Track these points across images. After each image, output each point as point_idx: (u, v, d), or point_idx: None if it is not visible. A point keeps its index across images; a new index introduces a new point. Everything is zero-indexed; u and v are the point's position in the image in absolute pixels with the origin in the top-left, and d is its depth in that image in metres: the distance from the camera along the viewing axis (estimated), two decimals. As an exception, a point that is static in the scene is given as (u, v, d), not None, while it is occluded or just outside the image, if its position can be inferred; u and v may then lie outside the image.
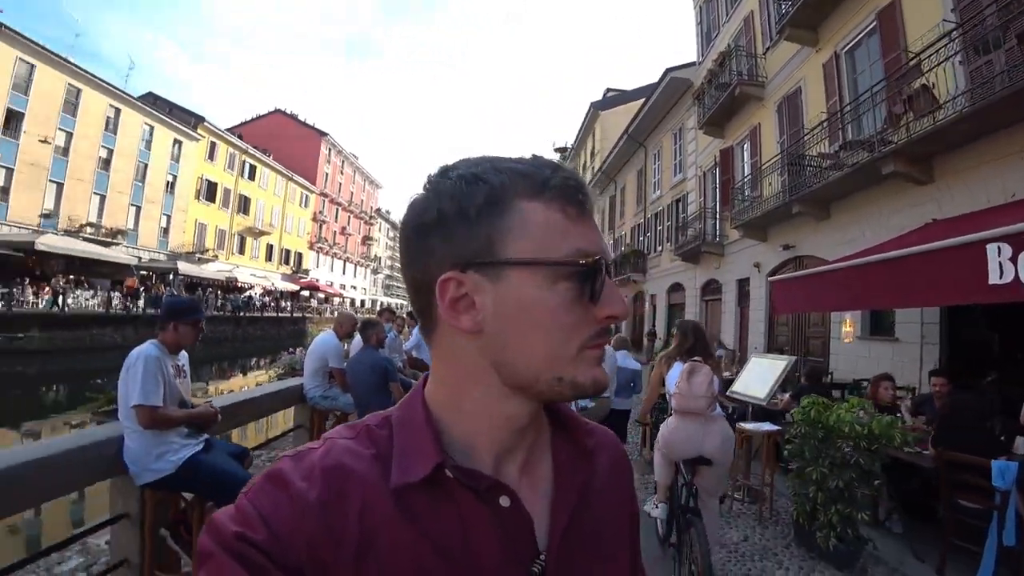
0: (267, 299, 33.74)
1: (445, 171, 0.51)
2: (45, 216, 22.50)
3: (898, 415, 4.34)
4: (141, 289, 23.63)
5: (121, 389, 2.50)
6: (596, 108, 29.78)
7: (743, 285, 12.73)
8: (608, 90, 32.23)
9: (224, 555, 0.42)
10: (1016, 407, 3.69)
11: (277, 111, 47.69)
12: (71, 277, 20.57)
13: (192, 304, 2.97)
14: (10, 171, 21.10)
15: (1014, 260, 2.89)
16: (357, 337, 4.67)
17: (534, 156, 0.52)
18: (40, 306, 17.93)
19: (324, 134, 47.17)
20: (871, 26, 8.08)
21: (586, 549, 0.53)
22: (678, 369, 3.25)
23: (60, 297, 18.09)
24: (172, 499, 2.73)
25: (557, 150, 39.13)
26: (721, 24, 14.46)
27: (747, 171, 12.27)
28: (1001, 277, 2.94)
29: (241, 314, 27.27)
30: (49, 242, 19.35)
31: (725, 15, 14.13)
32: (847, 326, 8.36)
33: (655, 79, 18.21)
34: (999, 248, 2.97)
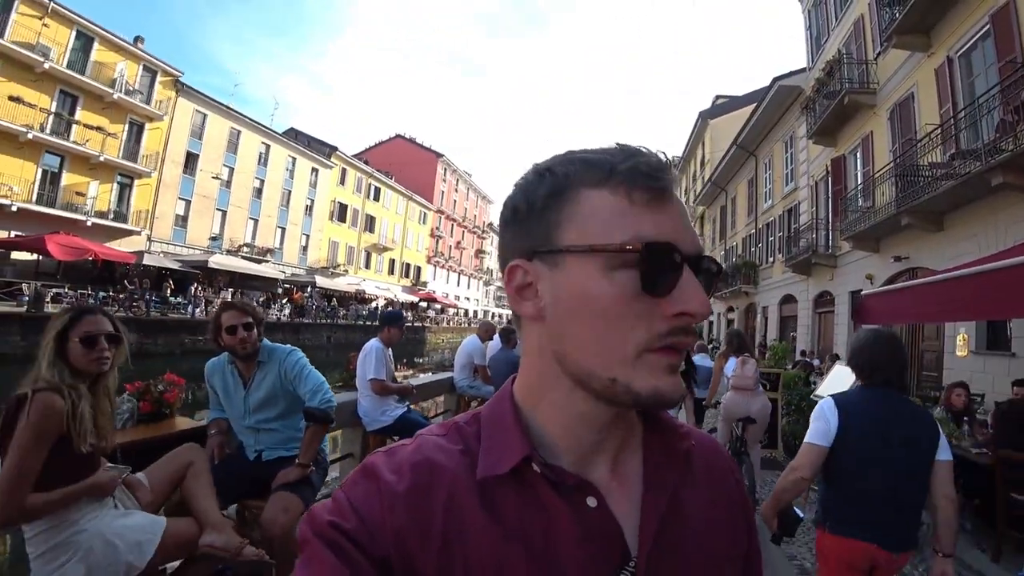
0: (390, 309, 36.80)
1: (531, 168, 0.52)
2: (213, 239, 26.84)
3: (965, 419, 4.58)
4: (303, 301, 27.38)
5: (359, 369, 3.96)
6: (705, 117, 29.28)
7: (856, 297, 12.20)
8: (717, 97, 31.52)
9: (317, 542, 0.44)
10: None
11: (398, 136, 52.05)
12: (232, 290, 24.36)
13: (399, 314, 4.51)
14: (188, 203, 25.52)
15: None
16: (495, 339, 6.05)
17: (618, 145, 0.50)
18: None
19: (440, 155, 50.58)
20: (984, 29, 7.72)
21: (680, 557, 0.50)
22: (733, 361, 4.92)
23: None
24: (384, 442, 3.93)
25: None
26: (831, 29, 13.98)
27: (859, 180, 11.81)
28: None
29: (371, 323, 30.18)
30: (219, 261, 23.20)
31: (835, 19, 13.66)
32: (961, 339, 7.96)
33: (766, 83, 17.79)
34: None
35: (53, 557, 1.61)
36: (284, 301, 27.40)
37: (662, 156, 0.48)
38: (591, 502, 0.48)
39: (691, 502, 0.53)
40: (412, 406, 4.59)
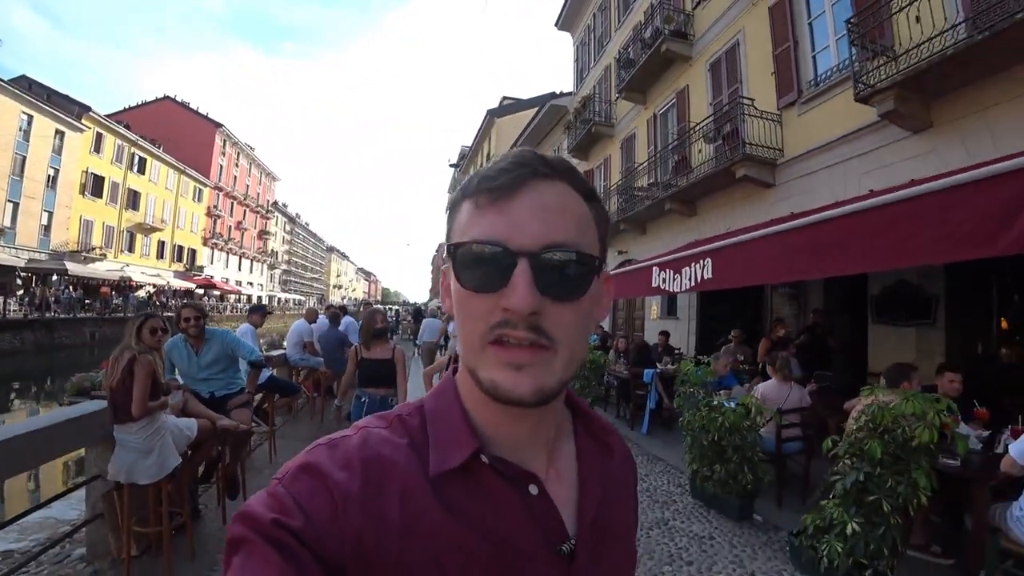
0: (163, 299, 33.48)
1: None
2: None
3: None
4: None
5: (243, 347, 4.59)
6: (492, 115, 32.63)
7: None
8: (504, 98, 35.23)
9: (259, 541, 0.42)
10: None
11: (167, 98, 46.10)
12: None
13: (263, 306, 6.19)
14: None
15: (661, 273, 5.89)
16: (320, 319, 7.75)
17: (506, 154, 0.53)
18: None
19: (219, 124, 46.41)
20: (672, 101, 11.58)
21: (606, 533, 0.57)
22: None
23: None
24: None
25: (452, 166, 41.75)
26: (590, 67, 17.81)
27: (602, 191, 15.74)
28: (657, 283, 5.94)
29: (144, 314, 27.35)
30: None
31: (594, 61, 17.48)
32: (653, 309, 12.15)
33: (549, 89, 21.29)
34: (657, 270, 6.00)
35: (156, 432, 3.11)
36: (21, 293, 23.49)
37: (520, 156, 0.51)
38: (533, 490, 0.52)
39: (614, 491, 0.61)
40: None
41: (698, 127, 9.32)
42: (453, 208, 0.54)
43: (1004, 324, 6.45)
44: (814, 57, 7.68)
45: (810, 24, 7.80)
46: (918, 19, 5.41)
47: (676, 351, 9.48)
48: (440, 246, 61.84)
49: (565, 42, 20.71)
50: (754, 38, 8.79)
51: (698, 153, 9.47)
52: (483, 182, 0.50)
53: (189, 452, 3.50)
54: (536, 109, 22.19)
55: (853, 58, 6.22)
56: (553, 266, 0.47)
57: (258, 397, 5.56)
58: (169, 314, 30.70)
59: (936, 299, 5.87)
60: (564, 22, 19.81)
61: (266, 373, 5.60)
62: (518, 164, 0.50)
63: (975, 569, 2.96)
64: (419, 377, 7.35)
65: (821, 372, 6.05)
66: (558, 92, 23.35)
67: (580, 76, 19.18)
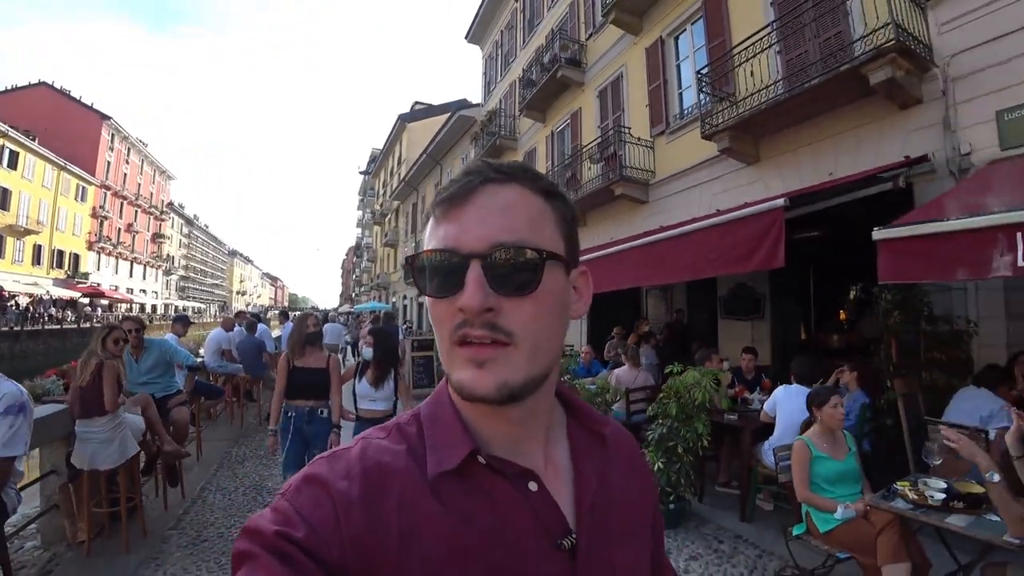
0: (40, 309, 30.81)
1: None
2: None
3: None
4: None
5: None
6: (404, 120, 32.94)
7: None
8: (416, 103, 35.66)
9: (263, 553, 0.44)
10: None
11: (43, 84, 41.85)
12: None
13: (185, 316, 6.43)
14: None
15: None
16: (236, 328, 8.08)
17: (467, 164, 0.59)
18: None
19: (106, 117, 42.79)
20: (567, 122, 12.78)
21: (609, 525, 0.58)
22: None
23: None
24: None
25: (362, 173, 41.55)
26: (497, 82, 18.82)
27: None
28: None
29: (18, 328, 25.05)
30: None
31: (500, 76, 18.50)
32: None
33: (461, 96, 22.06)
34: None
35: (119, 424, 3.62)
36: None
37: (472, 166, 0.54)
38: (532, 486, 0.54)
39: (612, 480, 0.62)
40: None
41: (585, 148, 10.52)
42: (427, 222, 0.56)
43: (843, 316, 8.08)
44: (680, 95, 9.06)
45: (677, 66, 9.17)
46: (751, 73, 6.76)
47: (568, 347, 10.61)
48: (350, 249, 60.81)
49: (475, 54, 21.62)
50: (634, 73, 10.09)
51: (587, 171, 10.67)
52: (438, 195, 0.53)
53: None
54: (447, 116, 22.95)
55: (702, 103, 7.55)
56: (502, 263, 0.49)
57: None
58: (54, 327, 28.45)
59: (764, 298, 7.33)
60: (474, 36, 20.71)
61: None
62: (466, 173, 0.53)
63: (748, 493, 4.14)
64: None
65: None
66: (468, 100, 24.24)
67: (488, 88, 20.15)
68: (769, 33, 6.38)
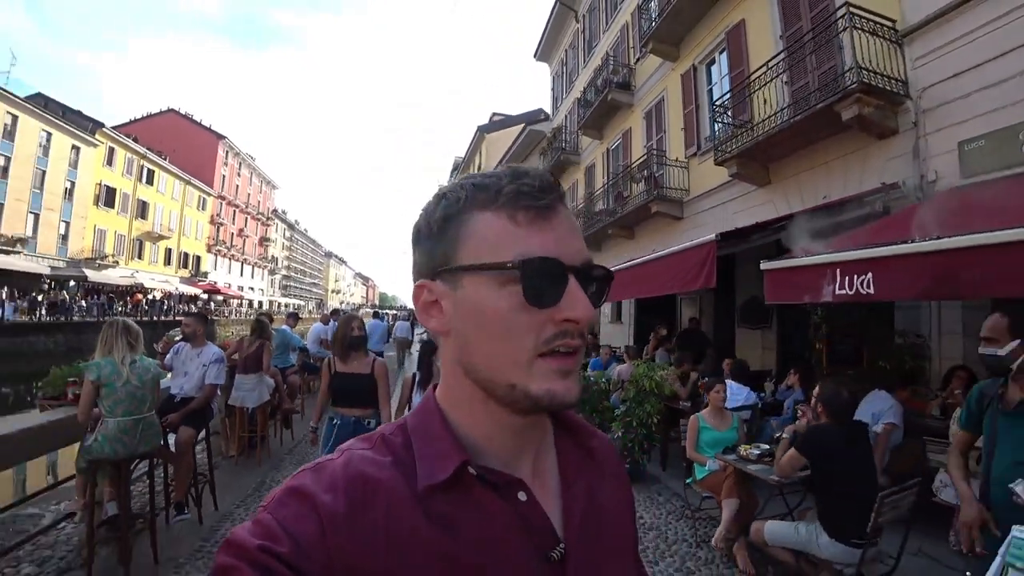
0: (170, 303, 35.67)
1: (434, 193, 0.57)
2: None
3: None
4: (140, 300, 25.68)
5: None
6: (483, 131, 34.83)
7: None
8: (494, 114, 37.49)
9: (246, 568, 0.44)
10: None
11: (171, 111, 48.39)
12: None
13: (295, 313, 8.14)
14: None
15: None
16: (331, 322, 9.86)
17: (509, 167, 0.56)
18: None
19: (222, 137, 48.67)
20: (620, 141, 13.77)
21: (598, 539, 0.58)
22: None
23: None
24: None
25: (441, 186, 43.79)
26: (563, 98, 20.03)
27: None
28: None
29: (156, 319, 29.39)
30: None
31: (565, 94, 19.70)
32: (604, 314, 14.24)
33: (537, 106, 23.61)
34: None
35: (261, 380, 5.53)
36: (39, 297, 25.58)
37: (547, 177, 0.54)
38: (522, 496, 0.54)
39: (600, 491, 0.62)
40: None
41: (629, 169, 11.54)
42: (453, 219, 0.54)
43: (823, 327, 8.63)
44: (709, 119, 9.87)
45: (709, 91, 9.98)
46: (765, 101, 7.55)
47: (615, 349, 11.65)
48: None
49: (546, 71, 22.93)
50: (672, 97, 10.98)
51: (634, 187, 11.65)
52: (523, 198, 0.52)
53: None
54: (521, 126, 24.43)
55: (716, 133, 8.39)
56: (592, 279, 0.53)
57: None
58: (180, 317, 32.99)
59: (772, 309, 8.02)
60: (542, 54, 22.04)
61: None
62: (551, 185, 0.54)
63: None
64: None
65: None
66: (544, 110, 25.63)
67: (556, 104, 21.40)
68: (775, 64, 7.11)
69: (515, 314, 0.50)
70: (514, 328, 0.50)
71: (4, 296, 22.89)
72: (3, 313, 21.07)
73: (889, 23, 5.98)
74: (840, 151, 6.66)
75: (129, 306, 30.56)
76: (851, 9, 5.86)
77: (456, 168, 45.45)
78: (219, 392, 4.61)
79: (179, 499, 3.97)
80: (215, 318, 36.22)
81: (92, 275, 29.55)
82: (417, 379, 3.73)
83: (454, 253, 0.53)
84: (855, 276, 3.26)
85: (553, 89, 22.09)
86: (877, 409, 4.17)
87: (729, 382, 4.88)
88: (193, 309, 37.87)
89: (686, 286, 4.81)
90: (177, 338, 4.87)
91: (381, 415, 3.49)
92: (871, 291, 3.16)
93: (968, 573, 2.64)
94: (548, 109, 23.07)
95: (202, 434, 4.64)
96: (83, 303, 27.02)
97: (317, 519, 0.47)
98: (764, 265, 4.22)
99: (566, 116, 18.71)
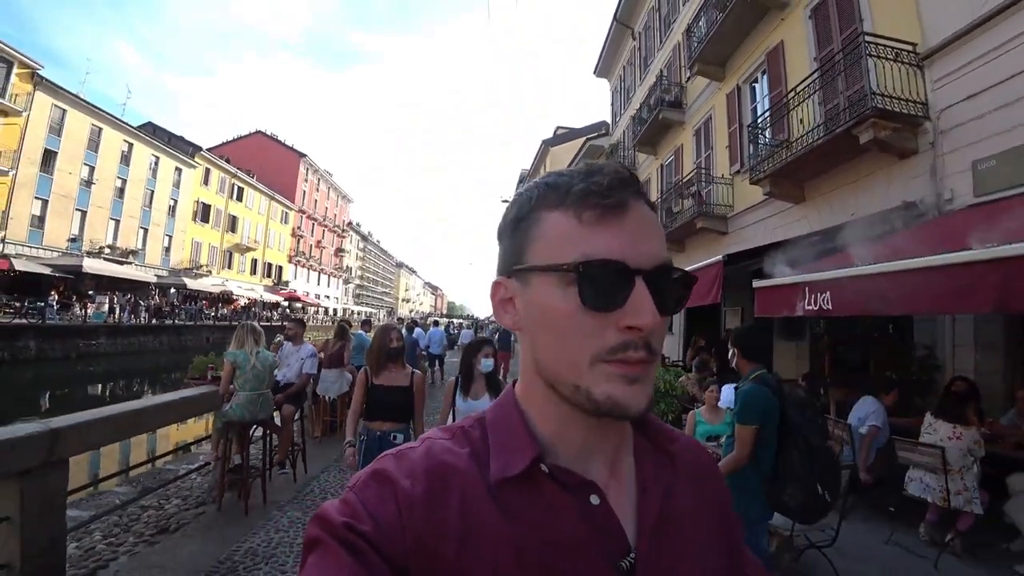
0: (255, 309, 38.86)
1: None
2: (72, 240, 27.36)
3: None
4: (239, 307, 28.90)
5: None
6: (547, 144, 35.83)
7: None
8: (558, 128, 38.43)
9: (332, 542, 0.47)
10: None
11: (258, 132, 52.89)
12: (108, 294, 25.68)
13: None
14: (46, 202, 25.98)
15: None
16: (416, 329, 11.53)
17: (586, 164, 0.55)
18: (89, 318, 22.96)
19: (302, 155, 52.50)
20: (671, 158, 14.25)
21: (673, 548, 0.56)
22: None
23: (117, 311, 23.51)
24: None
25: (504, 201, 45.13)
26: (621, 113, 20.63)
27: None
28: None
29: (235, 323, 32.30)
30: (93, 265, 24.58)
31: (623, 109, 20.30)
32: None
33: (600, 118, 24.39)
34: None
35: (342, 374, 6.54)
36: (143, 303, 28.73)
37: (621, 172, 0.53)
38: (594, 500, 0.54)
39: (680, 500, 0.59)
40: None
41: (678, 185, 12.05)
42: (526, 219, 0.55)
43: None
44: (748, 138, 10.27)
45: (753, 109, 10.39)
46: (801, 121, 7.97)
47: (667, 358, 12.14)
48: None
49: (606, 86, 23.60)
50: (719, 116, 11.43)
51: (683, 203, 12.15)
52: (590, 196, 0.51)
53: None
54: (583, 140, 25.21)
55: (750, 154, 8.84)
56: (665, 284, 0.51)
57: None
58: (265, 323, 35.96)
59: (805, 323, 8.34)
60: (601, 70, 22.73)
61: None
62: (624, 181, 0.52)
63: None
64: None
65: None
66: (608, 123, 26.30)
67: (615, 119, 22.03)
68: (806, 86, 7.52)
69: (575, 317, 0.50)
70: (574, 331, 0.50)
71: (125, 301, 26.12)
72: (123, 317, 24.06)
73: (910, 47, 6.33)
74: (865, 171, 7.02)
75: (223, 311, 33.72)
76: (867, 38, 6.30)
77: (521, 181, 46.69)
78: (311, 381, 5.83)
79: (281, 459, 5.25)
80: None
81: (190, 283, 32.88)
82: (459, 383, 3.52)
83: (525, 252, 0.54)
84: (818, 294, 3.81)
85: (612, 104, 22.72)
86: (863, 413, 4.65)
87: (725, 387, 5.45)
88: (275, 315, 41.01)
89: (697, 301, 5.39)
90: (277, 338, 6.35)
91: (415, 429, 3.47)
92: (830, 307, 3.71)
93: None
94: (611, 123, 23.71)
95: (298, 413, 5.94)
96: (181, 309, 30.12)
97: (396, 503, 0.50)
98: (755, 284, 4.79)
99: (624, 132, 19.31)
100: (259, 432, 4.98)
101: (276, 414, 5.24)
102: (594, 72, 23.20)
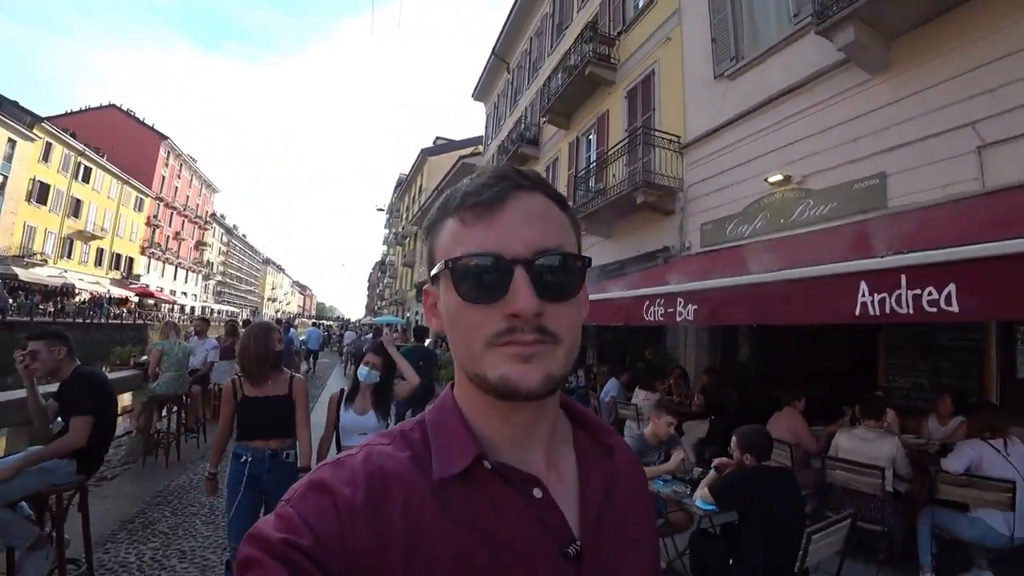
0: (104, 305, 36.16)
1: None
2: None
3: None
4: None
5: None
6: (425, 154, 37.33)
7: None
8: (438, 138, 40.17)
9: (270, 561, 0.46)
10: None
11: (112, 106, 48.50)
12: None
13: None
14: None
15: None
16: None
17: (481, 170, 0.60)
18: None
19: (164, 137, 49.16)
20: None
21: (615, 536, 0.60)
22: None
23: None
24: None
25: (379, 209, 46.54)
26: (492, 139, 23.04)
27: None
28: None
29: (88, 320, 30.00)
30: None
31: (494, 135, 22.71)
32: None
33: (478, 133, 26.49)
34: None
35: (232, 364, 7.89)
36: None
37: (501, 169, 0.57)
38: (537, 493, 0.56)
39: (617, 491, 0.64)
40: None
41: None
42: (433, 229, 0.59)
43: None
44: (575, 185, 13.00)
45: (588, 158, 13.10)
46: (614, 175, 10.61)
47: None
48: (376, 264, 65.59)
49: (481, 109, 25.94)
50: (563, 159, 14.09)
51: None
52: (467, 199, 0.55)
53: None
54: (458, 157, 27.28)
55: (581, 195, 11.45)
56: (547, 270, 0.53)
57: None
58: (114, 321, 33.68)
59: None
60: (478, 95, 24.98)
61: None
62: (499, 178, 0.56)
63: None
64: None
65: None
66: (482, 137, 28.49)
67: (486, 142, 24.43)
68: (614, 150, 10.17)
69: (463, 311, 0.54)
70: (467, 322, 0.54)
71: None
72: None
73: (676, 138, 9.17)
74: (644, 221, 9.80)
75: (64, 305, 31.27)
76: (645, 130, 9.07)
77: (399, 184, 47.78)
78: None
79: (190, 426, 6.80)
80: (148, 322, 37.02)
81: (22, 274, 30.04)
82: (344, 394, 3.30)
83: (434, 260, 0.59)
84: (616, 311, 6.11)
85: (487, 127, 25.08)
86: (607, 389, 7.20)
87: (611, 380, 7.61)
88: (124, 311, 38.43)
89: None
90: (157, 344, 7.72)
91: (300, 440, 3.03)
92: (625, 321, 6.00)
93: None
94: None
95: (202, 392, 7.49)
96: (11, 302, 27.59)
97: (337, 513, 0.50)
98: (592, 297, 7.11)
99: (492, 157, 21.69)
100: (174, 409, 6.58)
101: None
102: (472, 96, 25.42)
